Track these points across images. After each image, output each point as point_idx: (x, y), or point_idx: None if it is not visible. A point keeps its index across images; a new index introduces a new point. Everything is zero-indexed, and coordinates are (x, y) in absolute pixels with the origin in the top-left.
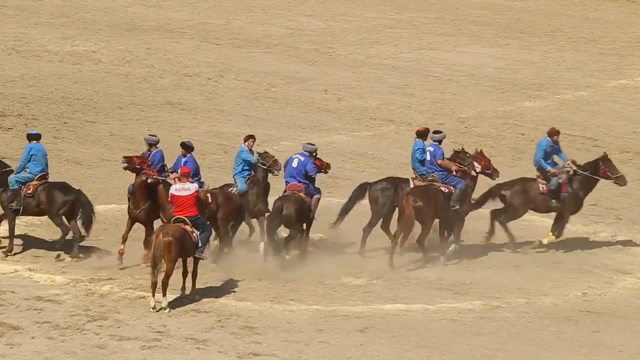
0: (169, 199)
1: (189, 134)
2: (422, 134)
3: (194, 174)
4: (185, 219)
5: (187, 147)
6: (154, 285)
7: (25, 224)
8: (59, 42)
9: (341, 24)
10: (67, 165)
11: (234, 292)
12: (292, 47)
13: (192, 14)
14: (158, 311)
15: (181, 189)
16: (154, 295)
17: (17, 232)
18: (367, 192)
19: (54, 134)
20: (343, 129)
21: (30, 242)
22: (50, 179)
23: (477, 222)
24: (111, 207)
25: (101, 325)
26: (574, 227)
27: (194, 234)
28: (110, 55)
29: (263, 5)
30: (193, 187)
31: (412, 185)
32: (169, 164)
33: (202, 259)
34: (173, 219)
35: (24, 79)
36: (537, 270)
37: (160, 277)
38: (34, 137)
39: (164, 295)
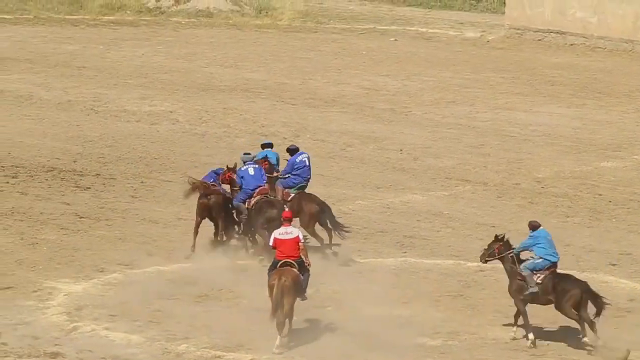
0: (271, 244)
1: None
2: None
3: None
4: (293, 262)
5: (289, 151)
6: (280, 325)
7: (103, 284)
8: (136, 102)
9: (417, 83)
10: (144, 224)
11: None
12: (367, 106)
13: (268, 74)
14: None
15: (284, 232)
16: (281, 334)
17: (94, 292)
18: None
19: (132, 193)
20: (418, 188)
21: (106, 301)
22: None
23: None
24: (188, 267)
25: None
26: None
27: (301, 277)
28: (187, 115)
29: (339, 65)
30: (296, 231)
31: None
32: None
33: (304, 299)
34: (280, 262)
35: (102, 138)
36: (618, 333)
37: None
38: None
39: (281, 334)
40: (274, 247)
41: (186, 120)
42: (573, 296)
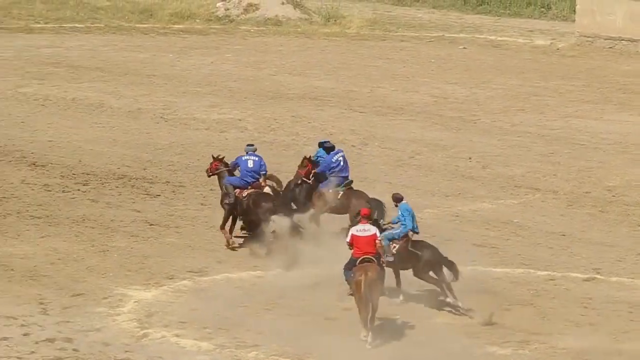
0: (348, 240)
1: None
2: None
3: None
4: (373, 258)
5: (325, 148)
6: (365, 320)
7: (172, 291)
8: (205, 110)
9: (485, 91)
10: (213, 231)
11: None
12: (436, 114)
13: (337, 82)
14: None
15: (362, 229)
16: (366, 326)
17: (164, 299)
18: None
19: (201, 200)
20: (488, 196)
21: (176, 308)
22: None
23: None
24: (255, 274)
25: None
26: None
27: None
28: (255, 122)
29: (407, 73)
30: (373, 228)
31: None
32: None
33: (383, 294)
34: (360, 258)
35: (172, 146)
36: None
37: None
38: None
39: (367, 327)
40: (351, 244)
41: (255, 128)
42: (428, 261)
